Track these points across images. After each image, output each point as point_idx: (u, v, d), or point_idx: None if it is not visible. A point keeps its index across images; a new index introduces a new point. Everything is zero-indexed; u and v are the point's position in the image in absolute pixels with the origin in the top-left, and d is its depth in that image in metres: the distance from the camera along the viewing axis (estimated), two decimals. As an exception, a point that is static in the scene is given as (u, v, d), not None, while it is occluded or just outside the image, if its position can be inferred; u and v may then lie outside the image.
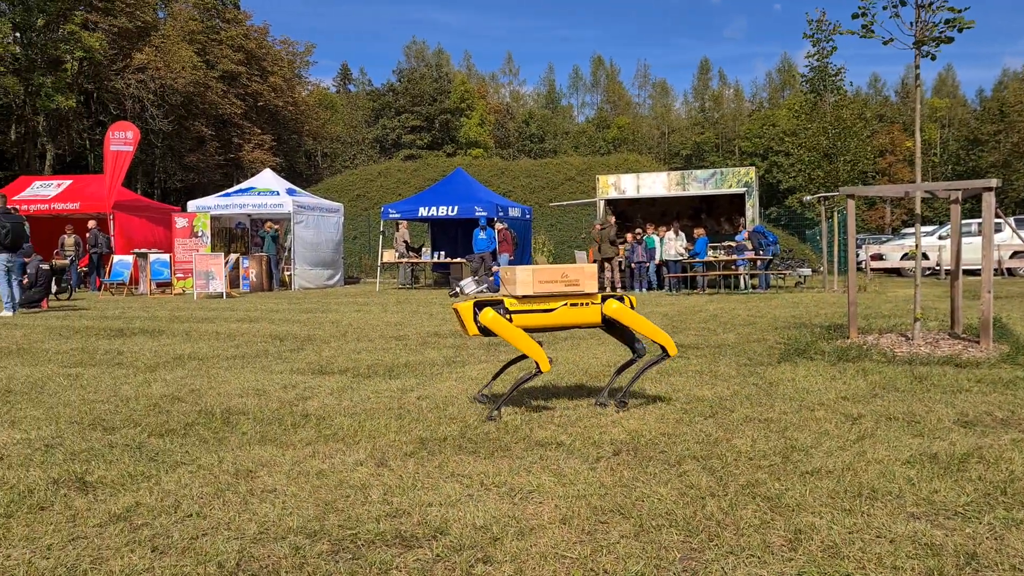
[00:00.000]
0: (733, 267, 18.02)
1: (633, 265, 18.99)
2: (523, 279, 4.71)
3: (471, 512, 3.06)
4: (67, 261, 18.89)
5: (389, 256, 22.87)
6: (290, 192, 22.59)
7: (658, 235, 18.94)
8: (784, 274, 19.66)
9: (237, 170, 48.46)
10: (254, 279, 20.99)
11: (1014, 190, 58.32)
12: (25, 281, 14.24)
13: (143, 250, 20.16)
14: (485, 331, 4.68)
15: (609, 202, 20.46)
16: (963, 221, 16.14)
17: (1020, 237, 11.42)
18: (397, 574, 2.53)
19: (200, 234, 20.00)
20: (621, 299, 4.89)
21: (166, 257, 19.76)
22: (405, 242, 23.07)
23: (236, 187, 24.40)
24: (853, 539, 2.72)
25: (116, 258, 20.07)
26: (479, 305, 4.70)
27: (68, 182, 23.66)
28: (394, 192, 36.65)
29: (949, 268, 9.40)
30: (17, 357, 7.82)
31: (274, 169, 30.67)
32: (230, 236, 22.91)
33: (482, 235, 20.04)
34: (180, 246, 19.87)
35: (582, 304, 4.84)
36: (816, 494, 3.19)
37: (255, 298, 17.85)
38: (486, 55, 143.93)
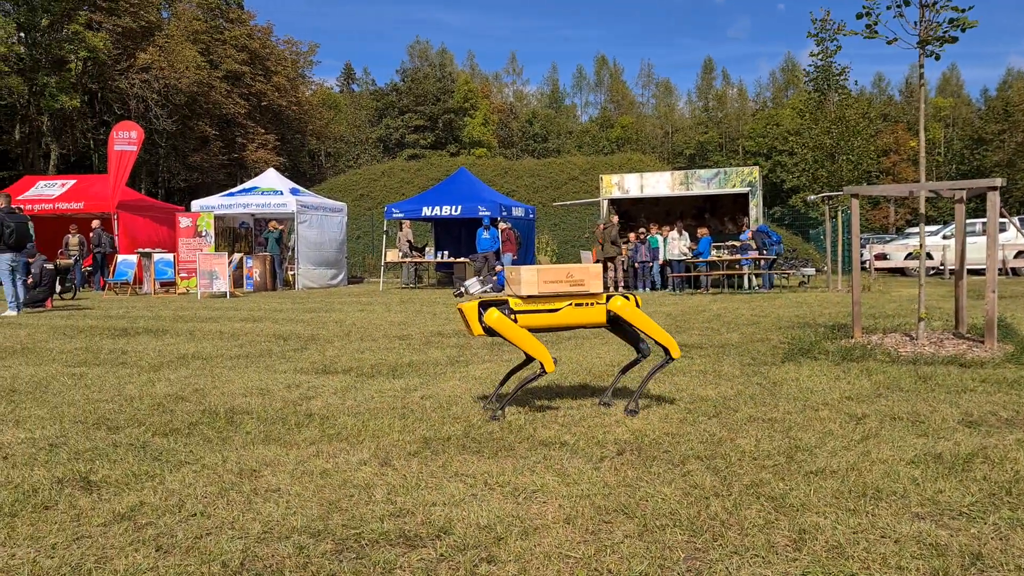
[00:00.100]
0: (737, 267, 18.00)
1: (636, 265, 18.98)
2: (528, 279, 4.71)
3: (475, 512, 3.06)
4: (71, 261, 18.92)
5: (393, 256, 22.88)
6: (294, 192, 22.61)
7: (662, 235, 18.93)
8: (788, 274, 19.64)
9: (241, 170, 48.53)
10: (258, 279, 21.02)
11: (1018, 189, 58.20)
12: (29, 281, 14.27)
13: (147, 250, 20.20)
14: (490, 331, 4.68)
15: (613, 202, 20.46)
16: (967, 220, 16.11)
17: (1025, 237, 11.39)
18: (401, 573, 2.53)
19: (204, 234, 20.03)
20: (627, 298, 4.88)
21: (170, 257, 19.80)
22: (409, 242, 23.07)
23: (240, 187, 24.42)
24: (858, 539, 2.72)
25: (120, 258, 20.10)
26: (484, 305, 4.69)
27: (72, 182, 23.71)
28: (398, 192, 36.67)
29: (953, 268, 9.38)
30: (21, 356, 7.84)
31: (278, 169, 30.74)
32: (234, 236, 22.94)
33: (485, 235, 20.04)
34: (184, 246, 19.90)
35: (587, 304, 4.83)
36: (820, 494, 3.18)
37: (259, 298, 17.87)
38: (490, 55, 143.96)
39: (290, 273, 22.33)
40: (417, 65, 77.85)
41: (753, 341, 8.15)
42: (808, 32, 18.40)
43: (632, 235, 19.49)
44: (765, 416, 4.62)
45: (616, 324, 4.93)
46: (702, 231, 18.76)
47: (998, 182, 6.98)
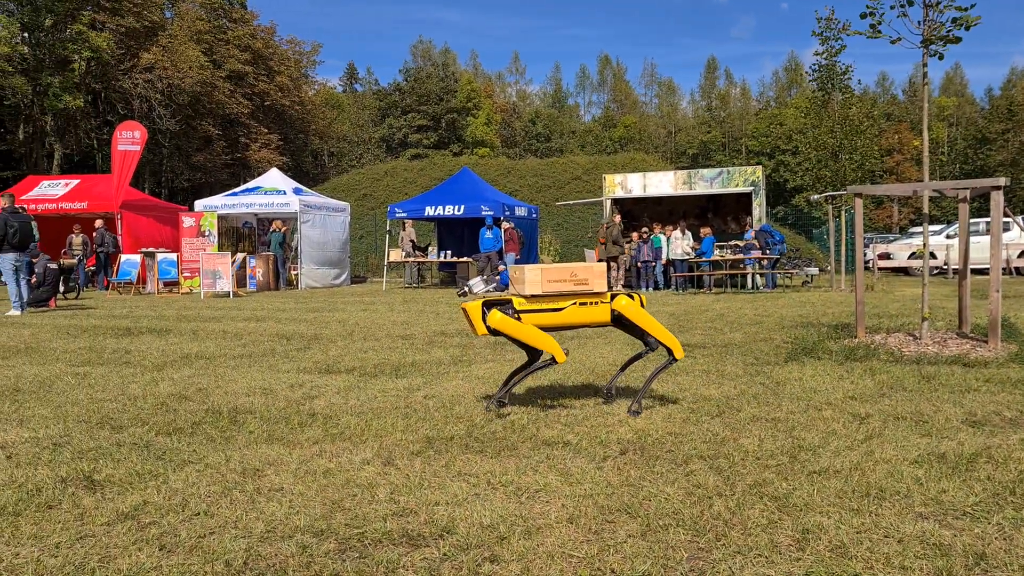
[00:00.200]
0: (741, 266, 17.98)
1: (639, 264, 18.96)
2: (532, 279, 4.71)
3: (478, 511, 3.06)
4: (75, 260, 18.96)
5: (395, 255, 22.89)
6: (297, 191, 22.63)
7: (665, 234, 18.92)
8: (791, 273, 19.62)
9: (244, 169, 48.57)
10: (261, 278, 21.04)
11: (1022, 188, 58.06)
12: (33, 280, 14.29)
13: (150, 249, 20.22)
14: (494, 331, 4.68)
15: (615, 201, 20.44)
16: (971, 220, 16.08)
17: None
18: (404, 573, 2.53)
19: (207, 233, 20.05)
20: (631, 296, 4.88)
21: (173, 256, 19.82)
22: (411, 241, 23.08)
23: (243, 186, 24.45)
24: (861, 539, 2.72)
25: (123, 257, 20.13)
26: (487, 305, 4.69)
27: (76, 182, 23.75)
28: (400, 191, 36.67)
29: (957, 267, 9.36)
30: (25, 356, 7.85)
31: (281, 168, 30.73)
32: (237, 235, 22.96)
33: (488, 234, 20.03)
34: (187, 245, 19.92)
35: (591, 303, 4.82)
36: (824, 494, 3.18)
37: (262, 297, 17.88)
38: (493, 54, 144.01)
39: (293, 273, 22.34)
40: (420, 65, 77.89)
41: (756, 341, 8.14)
42: (813, 31, 18.39)
43: (635, 234, 19.48)
44: (768, 416, 4.61)
45: (621, 322, 4.93)
46: (705, 231, 18.75)
47: (1002, 181, 6.97)
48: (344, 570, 2.55)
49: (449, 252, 22.94)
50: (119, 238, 21.54)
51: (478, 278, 19.04)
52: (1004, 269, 21.14)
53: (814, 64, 17.68)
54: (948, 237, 22.35)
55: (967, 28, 6.95)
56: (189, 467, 3.73)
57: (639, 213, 22.42)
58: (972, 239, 12.42)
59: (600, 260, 18.98)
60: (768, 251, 17.75)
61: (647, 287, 18.79)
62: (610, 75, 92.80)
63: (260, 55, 50.46)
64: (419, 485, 3.40)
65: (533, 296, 4.73)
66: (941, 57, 7.22)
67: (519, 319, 4.69)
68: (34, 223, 13.74)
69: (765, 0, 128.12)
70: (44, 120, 39.91)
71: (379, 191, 37.87)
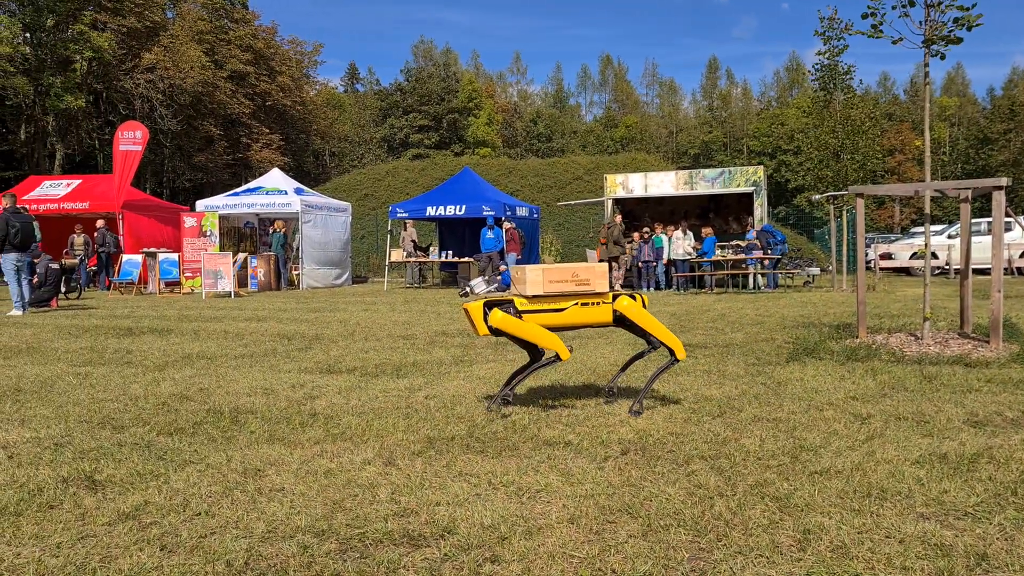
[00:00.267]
0: (744, 266, 17.98)
1: (640, 264, 18.96)
2: (533, 279, 4.70)
3: (479, 511, 3.06)
4: (77, 260, 18.97)
5: (397, 255, 22.89)
6: (298, 191, 22.63)
7: (666, 234, 18.91)
8: (792, 273, 19.61)
9: (245, 169, 48.58)
10: (262, 278, 21.05)
11: (1024, 189, 58.04)
12: (35, 280, 14.30)
13: (152, 249, 20.23)
14: (496, 331, 4.67)
15: (617, 201, 20.44)
16: (972, 220, 16.05)
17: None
18: (405, 573, 2.53)
19: (209, 233, 20.06)
20: (633, 297, 4.88)
21: (175, 256, 19.83)
22: (413, 241, 23.08)
23: (244, 186, 24.45)
24: (862, 539, 2.71)
25: (125, 257, 20.14)
26: (489, 305, 4.69)
27: (77, 182, 23.77)
28: (402, 191, 36.67)
29: (958, 267, 9.36)
30: (27, 356, 7.86)
31: (282, 168, 30.74)
32: (239, 235, 22.97)
33: (490, 234, 20.03)
34: (189, 245, 19.93)
35: (593, 303, 4.82)
36: (825, 494, 3.18)
37: (263, 297, 17.89)
38: (494, 54, 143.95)
39: (294, 273, 22.35)
40: (421, 65, 77.90)
41: (757, 341, 8.14)
42: (816, 30, 18.36)
43: (636, 235, 19.48)
44: (769, 416, 4.61)
45: (623, 322, 4.93)
46: (706, 231, 18.74)
47: (1003, 181, 6.96)
48: (345, 570, 2.55)
49: (450, 252, 22.94)
50: (120, 238, 21.55)
51: (480, 278, 19.04)
52: (1006, 269, 21.12)
53: (816, 64, 17.66)
54: (950, 237, 22.34)
55: (969, 28, 6.95)
56: (190, 467, 3.74)
57: (640, 213, 22.41)
58: (974, 239, 12.42)
59: (601, 260, 18.98)
60: (770, 251, 17.74)
61: (648, 287, 18.79)
62: (611, 75, 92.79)
63: (261, 55, 50.47)
64: (420, 485, 3.40)
65: (534, 296, 4.73)
66: (943, 57, 7.21)
67: (521, 319, 4.69)
68: (36, 223, 13.76)
69: (766, 0, 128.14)
70: (46, 120, 39.93)
71: (380, 191, 37.87)
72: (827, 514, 2.95)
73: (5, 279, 13.02)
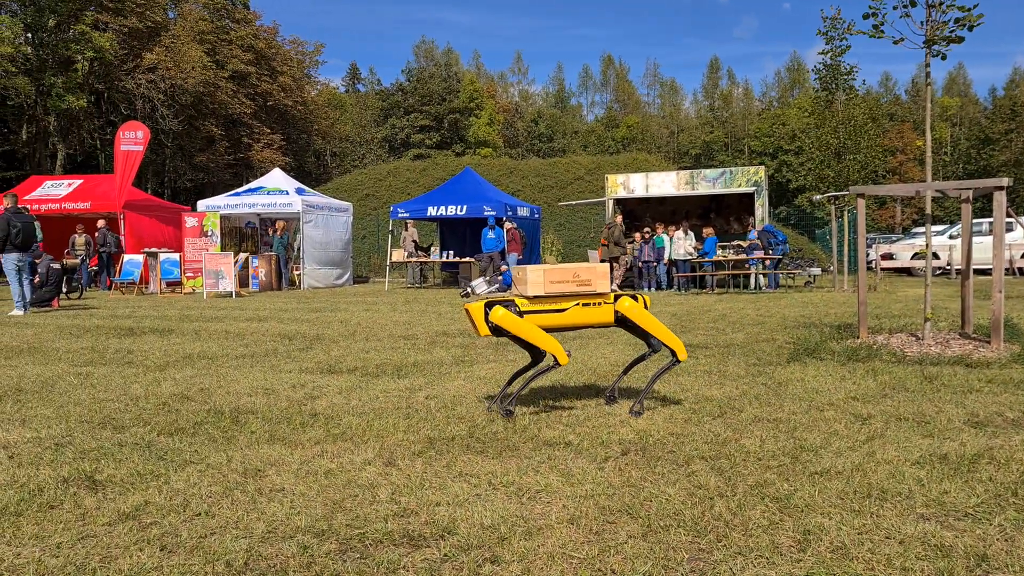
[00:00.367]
0: (746, 266, 17.97)
1: (640, 264, 18.96)
2: (534, 279, 4.70)
3: (479, 512, 3.06)
4: (78, 260, 18.98)
5: (398, 255, 22.90)
6: (299, 191, 22.64)
7: (668, 234, 18.91)
8: (794, 274, 19.60)
9: (247, 170, 48.61)
10: (263, 278, 21.06)
11: (1025, 189, 57.99)
12: (36, 280, 14.31)
13: (153, 249, 20.25)
14: (496, 331, 4.67)
15: (618, 201, 20.43)
16: (974, 220, 16.04)
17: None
18: (405, 573, 2.53)
19: (210, 233, 20.07)
20: (635, 298, 4.87)
21: (176, 256, 19.84)
22: (414, 241, 23.09)
23: (246, 186, 24.46)
24: (862, 540, 2.71)
25: (126, 257, 20.16)
26: (490, 305, 4.69)
27: (79, 182, 23.78)
28: (403, 191, 36.68)
29: (960, 268, 9.36)
30: (28, 356, 7.86)
31: (283, 169, 30.73)
32: (240, 235, 22.98)
33: (491, 234, 20.04)
34: (190, 245, 19.94)
35: (594, 304, 4.82)
36: (825, 495, 3.17)
37: (264, 297, 17.90)
38: (495, 54, 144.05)
39: (295, 273, 22.36)
40: (423, 65, 77.92)
41: (758, 341, 8.13)
42: (818, 30, 18.33)
43: (637, 235, 19.47)
44: (770, 416, 4.61)
45: (625, 323, 4.93)
46: (708, 231, 18.74)
47: (1005, 182, 6.96)
48: (345, 570, 2.56)
49: (451, 252, 22.95)
50: (121, 238, 21.56)
51: (481, 279, 19.04)
52: (1007, 270, 21.10)
53: (818, 63, 17.65)
54: (951, 237, 22.33)
55: (970, 28, 6.95)
56: (191, 467, 3.74)
57: (642, 213, 22.40)
58: (975, 239, 12.41)
59: (603, 261, 18.97)
60: (771, 251, 17.73)
61: (649, 287, 18.78)
62: (613, 75, 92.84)
63: (263, 55, 50.51)
64: (420, 485, 3.41)
65: (536, 297, 4.72)
66: (944, 58, 7.21)
67: (522, 319, 4.68)
68: (37, 223, 13.76)
69: (767, 0, 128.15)
70: (47, 120, 39.96)
71: (381, 191, 37.89)
72: (827, 515, 2.95)
73: (7, 279, 13.03)
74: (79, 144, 43.12)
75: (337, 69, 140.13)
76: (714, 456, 3.78)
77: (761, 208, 19.12)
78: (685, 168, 45.48)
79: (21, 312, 12.86)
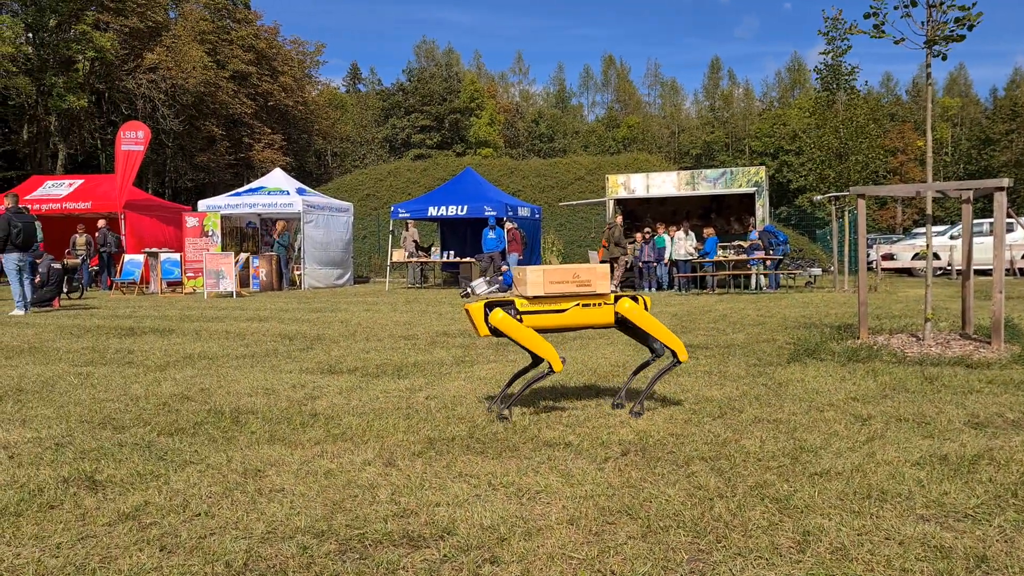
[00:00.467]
0: (747, 266, 17.97)
1: (641, 264, 18.96)
2: (533, 280, 4.70)
3: (479, 512, 3.06)
4: (78, 260, 18.99)
5: (398, 255, 22.90)
6: (300, 192, 22.64)
7: (669, 235, 18.90)
8: (794, 274, 19.60)
9: (247, 170, 48.63)
10: (264, 278, 21.06)
11: (1026, 189, 57.96)
12: (37, 280, 14.32)
13: (154, 249, 20.25)
14: (496, 332, 4.67)
15: (619, 202, 20.43)
16: (975, 221, 16.02)
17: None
18: (404, 574, 2.54)
19: (211, 233, 20.07)
20: (635, 299, 4.87)
21: (177, 256, 19.85)
22: (415, 241, 23.09)
23: (246, 186, 24.46)
24: (862, 541, 2.71)
25: (127, 257, 20.16)
26: (490, 306, 4.69)
27: (80, 182, 23.79)
28: (404, 192, 36.69)
29: (960, 268, 9.35)
30: (28, 356, 7.87)
31: (284, 169, 30.73)
32: (241, 235, 22.99)
33: (491, 235, 20.04)
34: (191, 245, 19.95)
35: (594, 304, 4.81)
36: (825, 495, 3.17)
37: (265, 297, 17.90)
38: (496, 54, 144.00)
39: (296, 273, 22.36)
40: (423, 65, 77.93)
41: (759, 342, 8.13)
42: (819, 30, 18.33)
43: (638, 235, 19.47)
44: (770, 417, 4.61)
45: (625, 325, 4.92)
46: (708, 231, 18.74)
47: (1005, 182, 6.96)
48: (344, 571, 2.56)
49: (452, 252, 22.95)
50: (121, 238, 21.57)
51: (481, 279, 19.04)
52: (1007, 270, 21.10)
53: (819, 63, 17.64)
54: (952, 238, 22.32)
55: (970, 28, 6.95)
56: (191, 467, 3.74)
57: (642, 214, 22.41)
58: (976, 240, 12.40)
59: (603, 261, 18.97)
60: (772, 251, 17.73)
61: (649, 288, 18.78)
62: (614, 75, 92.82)
63: (264, 55, 50.54)
64: (420, 486, 3.41)
65: (535, 297, 4.72)
66: (944, 58, 7.21)
67: (521, 320, 4.69)
68: (38, 223, 13.77)
69: (768, 0, 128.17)
70: (48, 120, 39.99)
71: (382, 191, 37.90)
72: (827, 515, 2.95)
73: (7, 279, 13.03)
74: (80, 144, 43.15)
75: (338, 69, 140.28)
76: (714, 457, 3.78)
77: (762, 208, 19.12)
78: (686, 168, 45.50)
79: (22, 312, 12.86)
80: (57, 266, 14.93)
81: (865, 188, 7.87)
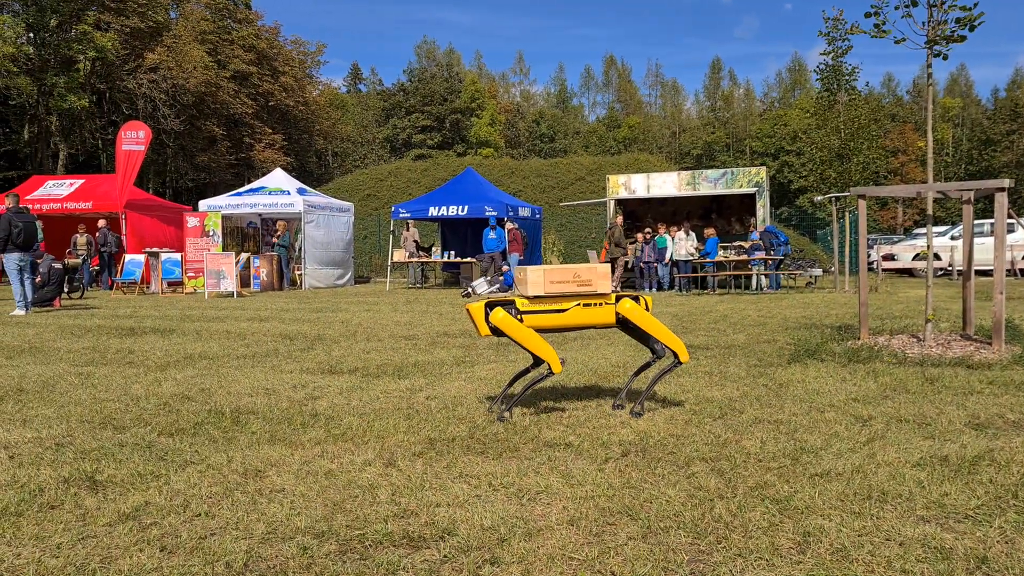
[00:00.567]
0: (748, 267, 17.97)
1: (641, 265, 18.95)
2: (534, 279, 4.70)
3: (479, 513, 3.06)
4: (79, 260, 18.99)
5: (399, 256, 22.90)
6: (301, 192, 22.65)
7: (670, 235, 18.90)
8: (795, 274, 19.59)
9: (248, 170, 48.63)
10: (265, 278, 21.06)
11: (1027, 190, 57.92)
12: (38, 280, 14.32)
13: (155, 249, 20.26)
14: (496, 331, 4.67)
15: (619, 202, 20.43)
16: (975, 221, 16.01)
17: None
18: (404, 575, 2.53)
19: (211, 233, 20.08)
20: (636, 299, 4.86)
21: (177, 256, 19.85)
22: (415, 242, 23.10)
23: (247, 186, 24.48)
24: (862, 542, 2.71)
25: (128, 257, 20.17)
26: (491, 305, 4.69)
27: (80, 181, 23.80)
28: (404, 192, 36.69)
29: (961, 269, 9.36)
30: (29, 356, 7.87)
31: (285, 169, 30.75)
32: (242, 235, 22.99)
33: (492, 235, 20.04)
34: (191, 245, 19.96)
35: (595, 304, 4.81)
36: (825, 496, 3.17)
37: (265, 297, 17.90)
38: (497, 54, 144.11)
39: (297, 273, 22.37)
40: (424, 65, 77.93)
41: (759, 342, 8.13)
42: (820, 31, 18.32)
43: (639, 235, 19.46)
44: (771, 418, 4.60)
45: (626, 325, 4.92)
46: (709, 231, 18.73)
47: (1006, 183, 6.95)
48: (344, 572, 2.56)
49: (453, 253, 22.95)
50: (121, 237, 21.57)
51: (482, 279, 19.04)
52: (1008, 271, 21.10)
53: (820, 64, 17.64)
54: (952, 239, 22.31)
55: (971, 28, 6.95)
56: (191, 468, 3.74)
57: (643, 214, 22.41)
58: (976, 241, 12.40)
59: (605, 261, 18.96)
60: (773, 252, 17.73)
61: (650, 288, 18.78)
62: (615, 75, 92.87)
63: (264, 55, 50.54)
64: (420, 486, 3.41)
65: (536, 297, 4.72)
66: (945, 58, 7.21)
67: (521, 320, 4.68)
68: (39, 223, 13.77)
69: (769, 0, 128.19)
70: (49, 120, 40.02)
71: (383, 191, 37.90)
72: (827, 516, 2.95)
73: (8, 278, 13.03)
74: (81, 144, 43.18)
75: (339, 69, 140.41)
76: (714, 457, 3.77)
77: (762, 209, 19.12)
78: (686, 169, 45.50)
79: (23, 312, 12.87)
80: (58, 266, 14.93)
81: (866, 189, 7.86)
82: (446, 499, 3.23)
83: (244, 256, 20.75)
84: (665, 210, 22.31)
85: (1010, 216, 7.45)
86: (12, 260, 12.83)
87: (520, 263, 19.31)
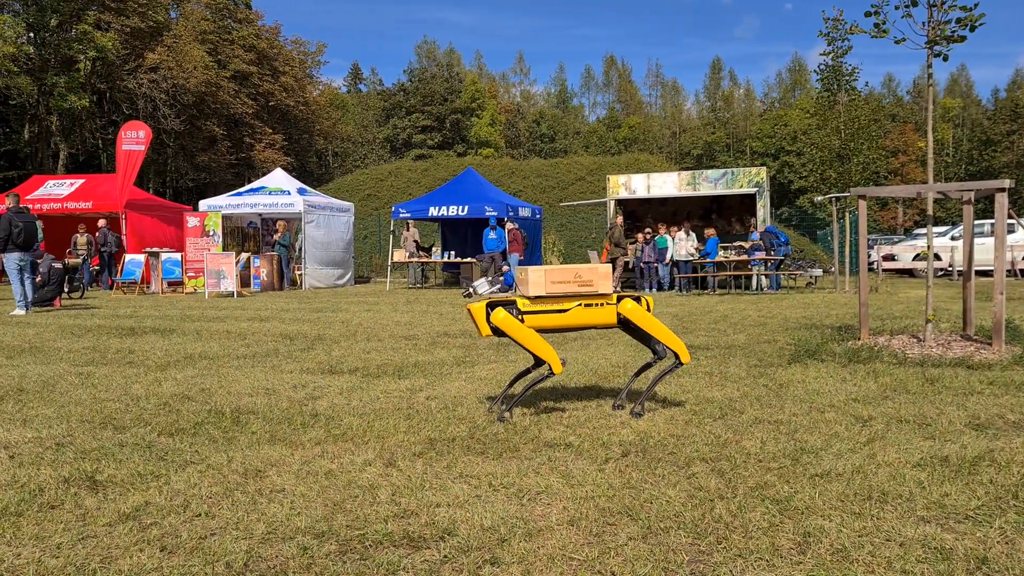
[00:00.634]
0: (748, 267, 17.97)
1: (642, 265, 18.95)
2: (535, 280, 4.70)
3: (479, 513, 3.05)
4: (79, 260, 18.99)
5: (399, 256, 22.90)
6: (301, 192, 22.65)
7: (670, 235, 18.90)
8: (795, 275, 19.59)
9: (248, 170, 48.62)
10: (265, 278, 21.06)
11: (1028, 190, 57.92)
12: (38, 280, 14.32)
13: (155, 249, 20.26)
14: (497, 332, 4.67)
15: (619, 202, 20.42)
16: (976, 222, 16.01)
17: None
18: (404, 575, 2.53)
19: (212, 233, 20.08)
20: (638, 300, 4.86)
21: (178, 256, 19.85)
22: (415, 242, 23.09)
23: (247, 186, 24.48)
24: (862, 542, 2.71)
25: (128, 257, 20.17)
26: (492, 306, 4.69)
27: (81, 181, 23.80)
28: (404, 192, 36.69)
29: (961, 269, 9.36)
30: (29, 355, 7.87)
31: (285, 169, 30.75)
32: (242, 235, 22.99)
33: (492, 235, 20.03)
34: (192, 245, 19.96)
35: (596, 305, 4.81)
36: (825, 497, 3.17)
37: (266, 297, 17.90)
38: (497, 55, 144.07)
39: (297, 273, 22.37)
40: (424, 65, 77.91)
41: (759, 342, 8.13)
42: (820, 31, 18.32)
43: (639, 235, 19.46)
44: (771, 418, 4.60)
45: (627, 326, 4.92)
46: (709, 232, 18.73)
47: (1006, 183, 6.95)
48: (344, 572, 2.56)
49: (453, 253, 22.95)
50: (121, 237, 21.57)
51: (483, 279, 19.04)
52: (1009, 271, 21.10)
53: (821, 64, 17.63)
54: (953, 239, 22.31)
55: (972, 28, 6.95)
56: (191, 468, 3.74)
57: (643, 214, 22.40)
58: (977, 241, 12.40)
59: (606, 261, 18.96)
60: (773, 252, 17.73)
61: (650, 288, 18.78)
62: (615, 75, 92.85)
63: (265, 55, 50.53)
64: (420, 487, 3.40)
65: (537, 297, 4.72)
66: (946, 58, 7.21)
67: (523, 320, 4.68)
68: (39, 223, 13.77)
69: (769, 0, 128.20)
70: (49, 120, 40.02)
71: (383, 191, 37.89)
72: (827, 517, 2.95)
73: (8, 278, 13.03)
74: (81, 144, 43.17)
75: (339, 69, 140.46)
76: (715, 458, 3.77)
77: (763, 209, 19.11)
78: (687, 169, 45.49)
79: (23, 311, 12.87)
80: (58, 266, 14.93)
81: (866, 189, 7.86)
82: (446, 499, 3.23)
83: (244, 256, 20.75)
84: (665, 210, 22.31)
85: (1010, 216, 7.45)
86: (12, 260, 12.83)
87: (520, 263, 19.31)
